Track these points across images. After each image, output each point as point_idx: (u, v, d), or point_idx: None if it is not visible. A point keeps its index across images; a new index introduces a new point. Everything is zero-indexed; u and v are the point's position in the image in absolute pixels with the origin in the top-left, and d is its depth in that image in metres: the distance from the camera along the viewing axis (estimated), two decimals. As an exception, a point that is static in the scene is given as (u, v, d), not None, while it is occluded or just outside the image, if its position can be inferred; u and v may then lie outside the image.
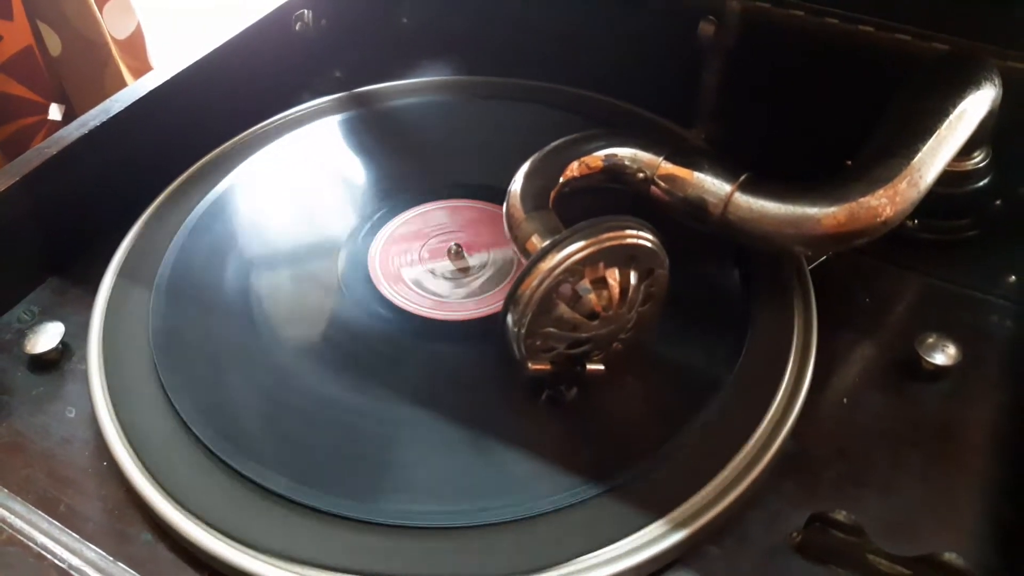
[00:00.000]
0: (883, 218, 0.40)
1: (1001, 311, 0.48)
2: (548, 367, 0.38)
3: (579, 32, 0.64)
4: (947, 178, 0.49)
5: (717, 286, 0.47)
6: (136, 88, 0.54)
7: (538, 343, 0.38)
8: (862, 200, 0.40)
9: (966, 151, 0.49)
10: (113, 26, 0.80)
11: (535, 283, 0.36)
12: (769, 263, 0.47)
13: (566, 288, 0.37)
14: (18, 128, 0.75)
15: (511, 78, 0.63)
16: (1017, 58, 0.49)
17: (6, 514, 0.37)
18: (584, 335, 0.38)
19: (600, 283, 0.37)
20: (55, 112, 0.78)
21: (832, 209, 0.40)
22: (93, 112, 0.52)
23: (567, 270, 0.36)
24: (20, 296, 0.49)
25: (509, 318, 0.37)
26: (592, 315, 0.37)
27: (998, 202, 0.52)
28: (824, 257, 0.49)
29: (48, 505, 0.38)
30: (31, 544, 0.36)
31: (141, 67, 0.85)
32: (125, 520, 0.38)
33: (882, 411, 0.43)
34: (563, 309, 0.37)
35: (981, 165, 0.50)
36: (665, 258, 0.38)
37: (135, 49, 0.84)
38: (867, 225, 0.40)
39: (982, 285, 0.49)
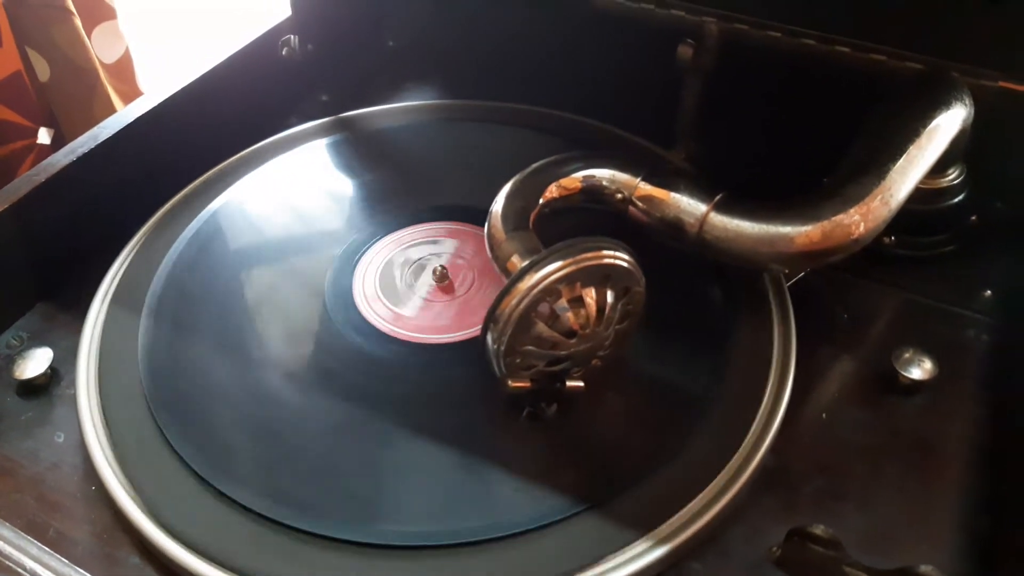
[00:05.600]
0: (856, 236, 0.41)
1: (977, 325, 0.49)
2: (528, 384, 0.39)
3: (561, 56, 0.65)
4: (923, 195, 0.50)
5: (697, 304, 0.48)
6: (124, 115, 0.54)
7: (518, 361, 0.38)
8: (835, 219, 0.41)
9: (940, 168, 0.50)
10: (101, 51, 0.81)
11: (514, 302, 0.37)
12: (748, 281, 0.48)
13: (544, 307, 0.37)
14: (8, 152, 0.75)
15: (494, 101, 0.63)
16: (989, 77, 0.50)
17: None
18: (563, 352, 0.38)
19: (577, 302, 0.37)
20: (44, 136, 0.78)
21: (805, 228, 0.41)
22: (82, 139, 0.52)
23: (545, 289, 0.37)
24: (9, 322, 0.49)
25: (489, 336, 0.38)
26: (570, 333, 0.38)
27: (974, 218, 0.53)
28: (802, 274, 0.49)
29: (37, 530, 0.38)
30: (20, 570, 0.36)
31: (129, 91, 0.86)
32: (113, 544, 0.38)
33: (860, 425, 0.43)
34: (542, 327, 0.37)
35: (956, 182, 0.51)
36: (641, 277, 0.39)
37: (123, 73, 0.85)
38: (840, 243, 0.41)
39: (959, 300, 0.50)
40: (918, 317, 0.49)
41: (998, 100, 0.50)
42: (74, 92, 0.77)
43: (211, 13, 1.15)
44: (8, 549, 0.37)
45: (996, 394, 0.45)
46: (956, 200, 0.51)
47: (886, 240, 0.52)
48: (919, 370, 0.44)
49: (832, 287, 0.50)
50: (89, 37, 0.78)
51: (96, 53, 0.78)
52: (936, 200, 0.51)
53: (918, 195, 0.49)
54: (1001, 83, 0.50)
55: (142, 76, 0.87)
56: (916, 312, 0.50)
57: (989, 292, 0.50)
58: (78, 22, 0.75)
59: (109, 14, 0.82)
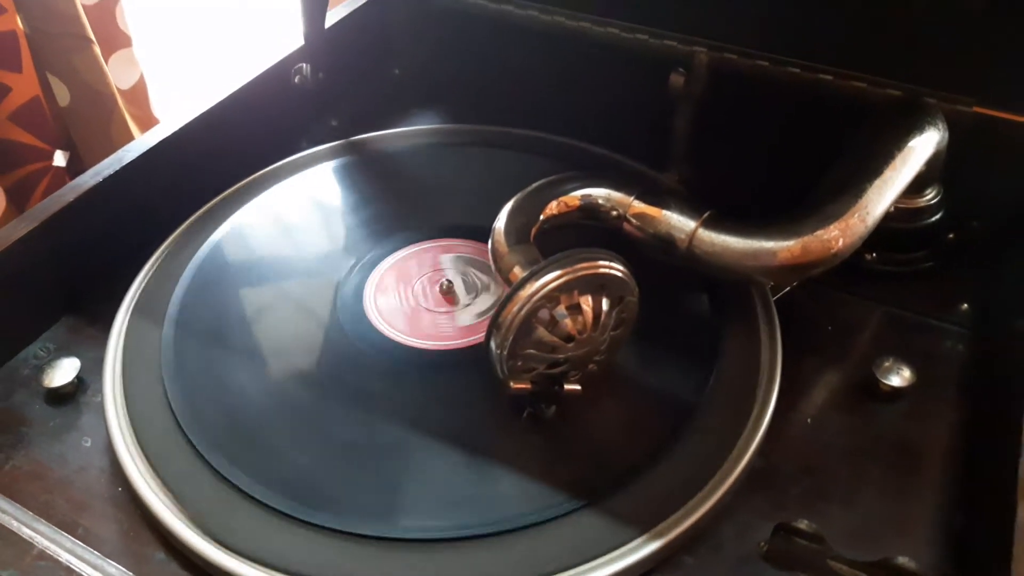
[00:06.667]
0: (835, 250, 0.43)
1: (954, 336, 0.50)
2: (528, 386, 0.41)
3: (560, 83, 0.67)
4: (902, 214, 0.52)
5: (690, 315, 0.50)
6: (146, 139, 0.56)
7: (519, 364, 0.40)
8: (815, 234, 0.43)
9: (917, 188, 0.52)
10: (118, 77, 0.83)
11: (516, 308, 0.39)
12: (737, 294, 0.50)
13: (544, 313, 0.39)
14: (25, 174, 0.77)
15: (495, 126, 0.65)
16: (964, 103, 0.52)
17: (33, 534, 0.39)
18: (561, 356, 0.40)
19: (575, 309, 0.39)
20: (59, 159, 0.80)
21: (787, 243, 0.43)
22: (107, 161, 0.54)
23: (545, 296, 0.39)
24: (36, 334, 0.51)
25: (492, 341, 0.40)
26: (568, 338, 0.40)
27: (951, 235, 0.55)
28: (788, 288, 0.51)
29: (67, 528, 0.40)
30: (57, 559, 0.38)
31: (144, 116, 0.88)
32: (140, 541, 0.40)
33: (844, 430, 0.45)
34: (542, 332, 0.39)
35: (933, 202, 0.53)
36: (635, 286, 0.41)
37: (138, 99, 0.87)
38: (820, 257, 0.43)
39: (936, 313, 0.52)
40: (898, 329, 0.51)
41: (973, 124, 0.52)
42: (93, 116, 0.80)
43: (222, 12, 1.17)
44: (45, 543, 0.38)
45: (971, 400, 0.46)
46: (934, 219, 0.53)
47: (868, 256, 0.54)
48: (898, 378, 0.46)
49: (817, 301, 0.52)
50: (106, 64, 0.80)
51: (113, 79, 0.81)
52: (915, 219, 0.53)
53: (897, 214, 0.51)
54: (976, 108, 0.52)
55: (156, 101, 0.90)
56: (896, 324, 0.51)
57: (966, 305, 0.52)
58: (97, 50, 0.77)
59: (125, 42, 0.84)
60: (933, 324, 0.51)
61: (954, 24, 0.52)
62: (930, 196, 0.53)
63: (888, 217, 0.46)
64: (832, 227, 0.43)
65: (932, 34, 0.52)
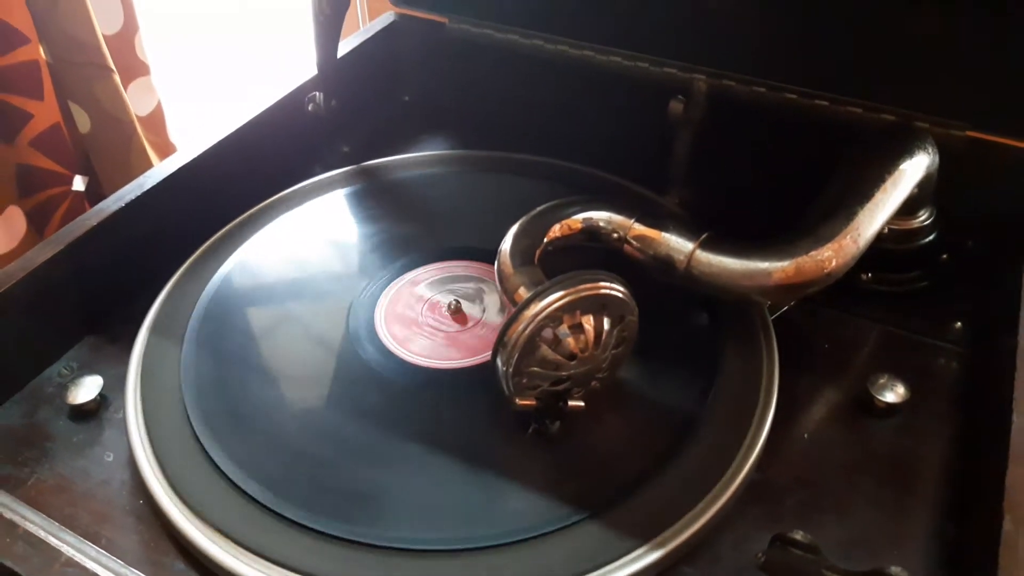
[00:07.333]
0: (828, 270, 0.44)
1: (948, 354, 0.52)
2: (533, 403, 0.42)
3: (563, 110, 0.69)
4: (896, 235, 0.54)
5: (690, 334, 0.51)
6: (165, 166, 0.58)
7: (524, 381, 0.42)
8: (808, 255, 0.44)
9: (910, 211, 0.54)
10: (136, 104, 0.85)
11: (521, 328, 0.40)
12: (736, 314, 0.51)
13: (548, 332, 0.41)
14: (46, 198, 0.79)
15: (501, 151, 0.67)
16: (957, 127, 0.54)
17: (59, 543, 0.40)
18: (565, 373, 0.42)
19: (577, 328, 0.41)
20: (79, 183, 0.82)
21: (782, 263, 0.45)
22: (128, 187, 0.56)
23: (548, 316, 0.40)
24: (60, 353, 0.53)
25: (498, 359, 0.41)
26: (571, 356, 0.41)
27: (944, 256, 0.56)
28: (786, 307, 0.53)
29: (91, 539, 0.41)
30: (85, 566, 0.39)
31: (161, 142, 0.90)
32: (160, 551, 0.41)
33: (839, 444, 0.46)
34: (545, 351, 0.41)
35: (927, 223, 0.55)
36: (634, 306, 0.42)
37: (156, 125, 0.90)
38: (813, 277, 0.44)
39: (931, 331, 0.53)
40: (893, 347, 0.52)
41: (966, 148, 0.54)
42: (112, 143, 0.81)
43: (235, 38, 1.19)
44: (70, 551, 0.40)
45: (964, 416, 0.48)
46: (927, 240, 0.55)
47: (863, 277, 0.55)
48: (893, 395, 0.47)
49: (814, 320, 0.53)
50: (125, 92, 0.82)
51: (132, 107, 0.83)
52: (909, 240, 0.55)
53: (892, 235, 0.53)
54: (968, 132, 0.54)
55: (172, 127, 0.92)
56: (891, 342, 0.53)
57: (959, 324, 0.53)
58: (117, 79, 0.79)
59: (143, 71, 0.87)
60: (927, 342, 0.53)
61: (947, 51, 0.53)
62: (923, 218, 0.55)
63: (882, 238, 0.48)
64: (825, 248, 0.44)
65: (925, 61, 0.54)
